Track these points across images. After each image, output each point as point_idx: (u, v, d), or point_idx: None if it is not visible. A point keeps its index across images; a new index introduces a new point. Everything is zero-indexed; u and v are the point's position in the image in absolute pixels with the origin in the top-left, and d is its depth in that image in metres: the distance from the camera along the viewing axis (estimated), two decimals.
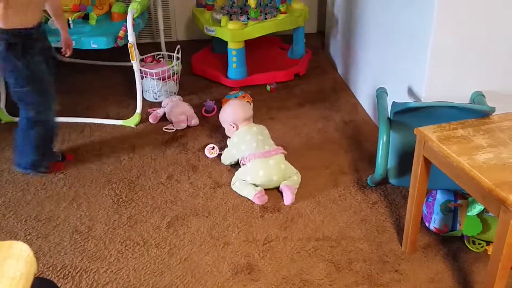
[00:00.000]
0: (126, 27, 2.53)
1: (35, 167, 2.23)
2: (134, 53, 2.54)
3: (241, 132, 2.26)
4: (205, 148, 2.37)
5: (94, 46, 2.61)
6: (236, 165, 2.25)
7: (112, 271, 1.74)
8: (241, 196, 2.10)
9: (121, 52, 2.76)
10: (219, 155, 2.33)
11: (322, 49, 3.62)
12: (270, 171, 2.10)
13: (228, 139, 2.31)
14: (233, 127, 2.29)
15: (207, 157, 2.34)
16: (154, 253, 1.82)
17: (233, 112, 2.32)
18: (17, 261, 0.91)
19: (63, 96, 2.95)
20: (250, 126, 2.28)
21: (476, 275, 1.71)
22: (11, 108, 2.72)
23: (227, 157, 2.28)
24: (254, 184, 2.10)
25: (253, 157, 2.12)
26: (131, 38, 2.52)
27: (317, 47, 3.63)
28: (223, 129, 2.39)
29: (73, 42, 2.60)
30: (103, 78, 3.16)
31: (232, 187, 2.14)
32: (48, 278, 1.70)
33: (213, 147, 2.36)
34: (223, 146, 2.36)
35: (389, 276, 1.71)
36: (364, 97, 2.80)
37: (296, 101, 2.89)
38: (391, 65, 2.40)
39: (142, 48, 3.07)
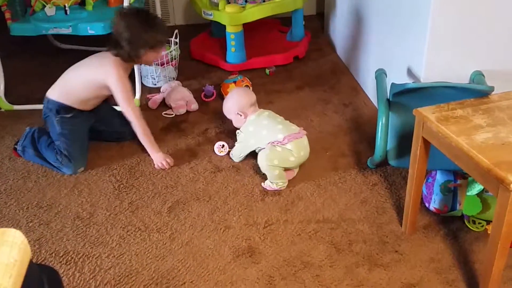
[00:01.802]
0: None
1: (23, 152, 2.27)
2: None
3: (255, 119, 2.17)
4: (214, 145, 2.29)
5: (91, 32, 2.60)
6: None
7: (114, 256, 1.76)
8: (243, 180, 2.11)
9: None
10: (229, 152, 2.26)
11: (321, 31, 3.59)
12: (305, 151, 2.09)
13: (238, 132, 2.21)
14: (241, 115, 2.20)
15: (217, 155, 2.26)
16: (156, 237, 1.83)
17: (237, 101, 2.23)
18: (10, 248, 0.91)
19: None
20: (260, 112, 2.21)
21: (476, 254, 1.72)
22: (11, 96, 2.72)
23: (241, 151, 2.18)
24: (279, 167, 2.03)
25: (293, 138, 2.05)
26: None
27: (317, 29, 3.61)
28: (228, 120, 2.32)
29: (70, 28, 2.59)
30: None
31: (268, 172, 2.04)
32: (49, 265, 1.71)
33: (223, 145, 2.27)
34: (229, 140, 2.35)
35: (390, 257, 1.72)
36: (364, 79, 2.79)
37: (295, 84, 2.88)
38: (390, 46, 2.38)
39: None
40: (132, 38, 2.09)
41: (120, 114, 2.37)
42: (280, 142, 2.05)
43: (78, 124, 2.23)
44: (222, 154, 2.26)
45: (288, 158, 2.04)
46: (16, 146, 2.27)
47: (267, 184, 2.04)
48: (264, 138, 2.10)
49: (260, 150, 2.11)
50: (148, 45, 2.13)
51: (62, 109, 2.19)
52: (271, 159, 2.01)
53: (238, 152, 2.20)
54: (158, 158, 2.20)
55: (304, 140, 2.10)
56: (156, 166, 2.20)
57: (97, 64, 2.20)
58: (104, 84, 2.16)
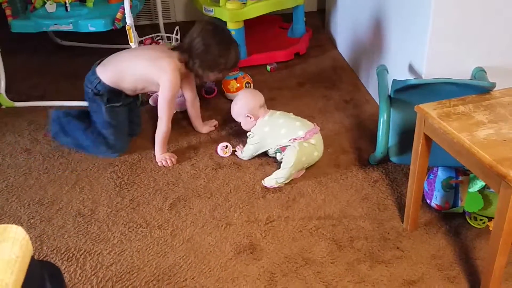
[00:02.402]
0: (124, 9, 2.51)
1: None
2: (132, 35, 2.52)
3: (269, 120, 2.15)
4: (217, 147, 2.24)
5: (92, 29, 2.59)
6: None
7: (115, 252, 1.76)
8: (244, 177, 2.11)
9: (120, 34, 2.74)
10: (234, 151, 2.23)
11: (322, 27, 3.59)
12: (322, 146, 2.12)
13: (249, 134, 2.18)
14: (250, 118, 2.17)
15: (221, 156, 2.24)
16: (157, 234, 1.83)
17: (246, 103, 2.19)
18: (12, 244, 0.91)
19: (63, 80, 2.95)
20: (272, 112, 2.19)
21: (478, 251, 1.72)
22: (11, 93, 2.72)
23: (255, 151, 2.16)
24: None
25: (313, 133, 2.08)
26: (129, 20, 2.50)
27: (318, 25, 3.60)
28: (233, 121, 2.31)
29: (71, 25, 2.59)
30: None
31: (290, 169, 2.01)
32: (50, 261, 1.71)
33: (226, 146, 2.23)
34: (235, 142, 2.34)
35: (391, 253, 1.72)
36: (365, 75, 2.78)
37: (296, 80, 2.88)
38: (391, 42, 2.38)
39: (141, 30, 3.05)
40: (205, 59, 2.12)
41: (138, 111, 2.44)
42: (303, 138, 2.06)
43: (124, 114, 2.27)
44: (226, 155, 2.23)
45: (313, 153, 2.06)
46: (48, 129, 2.34)
47: (269, 183, 2.03)
48: (283, 137, 2.08)
49: (276, 149, 2.11)
50: (218, 69, 2.16)
51: (112, 94, 2.20)
52: (300, 156, 2.01)
53: (251, 152, 2.17)
54: (162, 157, 2.21)
55: (320, 135, 2.13)
56: (159, 163, 2.20)
57: (155, 60, 2.17)
58: (156, 82, 2.16)
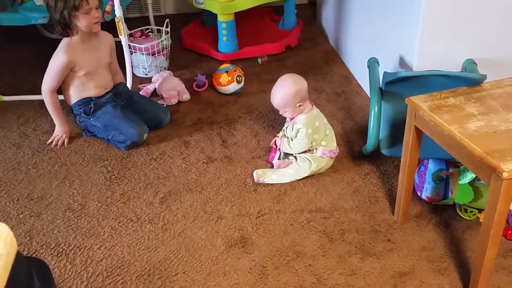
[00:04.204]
0: (113, 1, 2.48)
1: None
2: (122, 28, 2.50)
3: (317, 114, 2.02)
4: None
5: None
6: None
7: (106, 247, 1.75)
8: (235, 170, 2.10)
9: (109, 27, 2.71)
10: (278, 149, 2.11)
11: (313, 20, 3.57)
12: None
13: (301, 127, 1.97)
14: (301, 106, 1.98)
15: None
16: (148, 228, 1.82)
17: (299, 90, 1.95)
18: None
19: None
20: (314, 107, 2.05)
21: (468, 243, 1.73)
22: (0, 86, 2.70)
23: (305, 145, 2.00)
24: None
25: (335, 154, 2.06)
26: (118, 12, 2.47)
27: (309, 18, 3.59)
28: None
29: None
30: None
31: (291, 179, 2.01)
32: (39, 257, 1.70)
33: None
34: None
35: (382, 246, 1.72)
36: (356, 68, 2.78)
37: (288, 73, 2.86)
38: (382, 35, 2.37)
39: (130, 23, 3.02)
40: (52, 2, 2.08)
41: (152, 101, 2.47)
42: (334, 152, 2.05)
43: (111, 111, 2.28)
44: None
45: (321, 170, 2.05)
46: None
47: (261, 179, 2.02)
48: (325, 138, 2.03)
49: (326, 153, 2.04)
50: (70, 4, 2.06)
51: (84, 106, 2.27)
52: (310, 173, 2.01)
53: (302, 148, 2.02)
54: (59, 131, 2.30)
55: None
56: (51, 138, 2.30)
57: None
58: (70, 69, 2.21)
